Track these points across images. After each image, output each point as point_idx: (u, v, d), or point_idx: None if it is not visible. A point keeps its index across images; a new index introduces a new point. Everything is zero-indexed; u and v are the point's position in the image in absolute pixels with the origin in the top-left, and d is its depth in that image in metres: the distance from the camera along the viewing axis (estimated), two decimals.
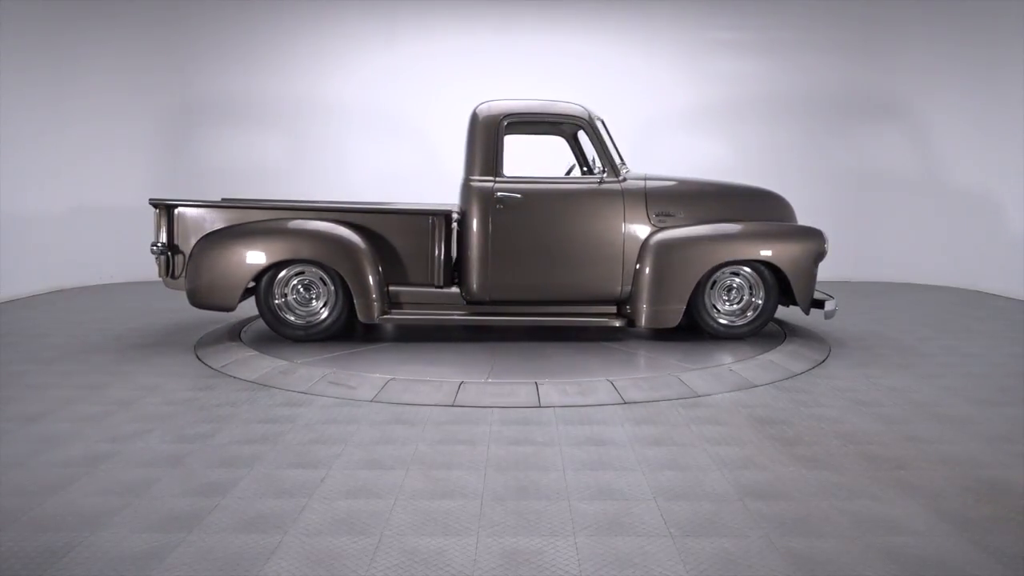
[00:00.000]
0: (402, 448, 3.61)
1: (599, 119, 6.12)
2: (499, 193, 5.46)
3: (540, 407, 4.26)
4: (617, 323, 5.50)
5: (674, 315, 5.44)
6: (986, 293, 8.36)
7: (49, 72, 8.34)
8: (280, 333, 5.62)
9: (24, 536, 2.72)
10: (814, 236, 5.60)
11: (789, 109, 9.18)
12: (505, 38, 9.07)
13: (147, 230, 8.83)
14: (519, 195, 5.47)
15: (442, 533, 2.75)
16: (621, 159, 6.20)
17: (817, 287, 5.82)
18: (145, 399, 4.40)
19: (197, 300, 5.53)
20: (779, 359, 5.18)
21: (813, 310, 5.65)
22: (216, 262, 5.43)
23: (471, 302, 5.59)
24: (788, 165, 9.09)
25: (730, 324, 5.65)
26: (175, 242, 5.58)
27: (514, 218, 5.47)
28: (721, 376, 4.77)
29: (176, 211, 5.57)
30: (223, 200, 5.75)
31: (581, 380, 4.65)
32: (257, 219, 5.56)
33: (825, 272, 5.67)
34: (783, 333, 5.94)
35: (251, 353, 5.28)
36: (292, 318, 5.61)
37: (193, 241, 5.56)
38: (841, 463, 3.43)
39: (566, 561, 2.55)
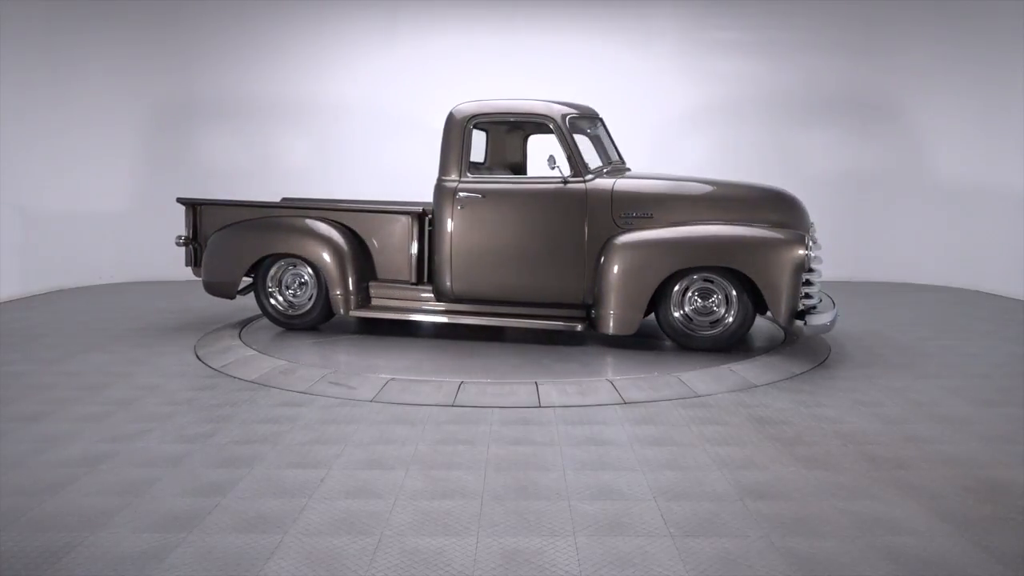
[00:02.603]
0: (402, 448, 3.61)
1: (597, 118, 6.08)
2: (460, 193, 5.50)
3: (540, 407, 4.26)
4: (579, 327, 5.30)
5: (630, 322, 5.18)
6: (986, 293, 8.36)
7: (49, 72, 8.33)
8: (271, 320, 6.07)
9: (24, 536, 2.72)
10: (790, 243, 5.01)
11: (789, 109, 9.17)
12: (506, 38, 9.07)
13: (147, 230, 8.93)
14: (480, 195, 5.49)
15: (442, 533, 2.76)
16: (621, 159, 6.19)
17: (823, 290, 5.54)
18: (145, 399, 4.40)
19: (209, 289, 6.09)
20: (779, 359, 5.18)
21: (798, 323, 5.07)
22: (218, 255, 5.98)
23: (441, 300, 5.66)
24: (788, 165, 9.07)
25: (695, 334, 5.26)
26: (198, 236, 6.17)
27: (475, 218, 5.48)
28: (721, 376, 4.77)
29: (200, 208, 6.17)
30: (283, 200, 6.45)
31: (581, 380, 4.65)
32: (254, 216, 6.05)
33: (825, 272, 5.56)
34: (783, 333, 5.93)
35: (251, 353, 5.29)
36: (279, 306, 6.01)
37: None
38: (841, 463, 3.43)
39: (566, 561, 2.55)
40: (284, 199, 6.54)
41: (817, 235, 5.51)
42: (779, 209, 5.36)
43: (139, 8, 8.86)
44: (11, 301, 7.70)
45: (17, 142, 7.93)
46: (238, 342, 5.60)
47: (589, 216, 5.32)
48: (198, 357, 5.38)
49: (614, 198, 5.33)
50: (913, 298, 8.08)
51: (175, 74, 9.06)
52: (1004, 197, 8.24)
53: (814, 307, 5.24)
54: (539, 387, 4.50)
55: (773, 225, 5.23)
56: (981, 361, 5.37)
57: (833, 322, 5.23)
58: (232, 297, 6.04)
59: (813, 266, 5.26)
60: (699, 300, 5.27)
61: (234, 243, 5.94)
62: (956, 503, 3.01)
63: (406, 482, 3.21)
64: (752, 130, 9.17)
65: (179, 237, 6.14)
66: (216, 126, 9.20)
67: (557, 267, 5.39)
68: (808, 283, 5.17)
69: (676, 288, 5.25)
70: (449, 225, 5.51)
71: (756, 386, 4.66)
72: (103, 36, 8.76)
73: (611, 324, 5.21)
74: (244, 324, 6.27)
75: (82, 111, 8.67)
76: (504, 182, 5.65)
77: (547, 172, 5.37)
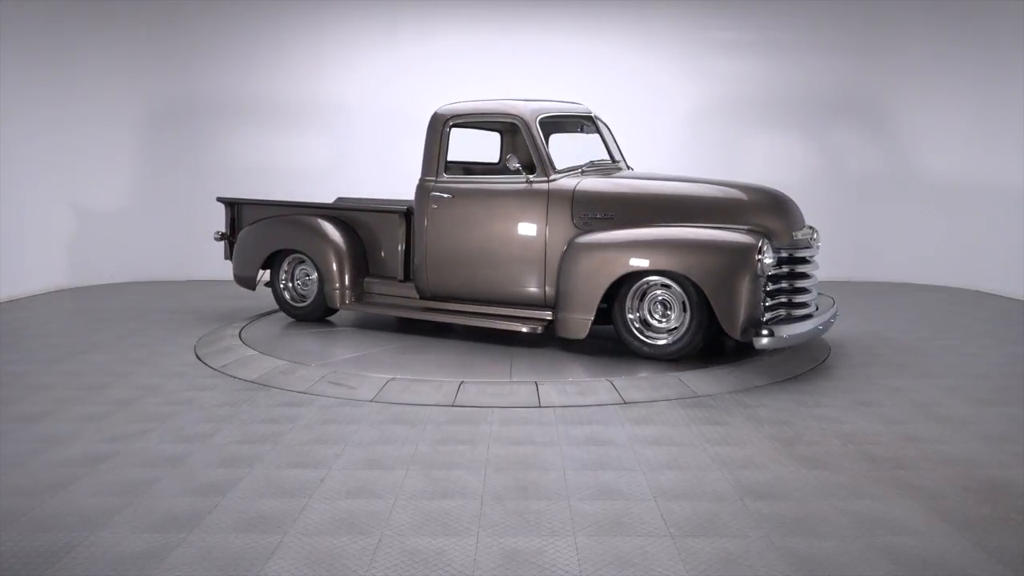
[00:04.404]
0: (402, 448, 3.61)
1: (596, 118, 6.08)
2: (433, 192, 5.59)
3: (540, 407, 4.26)
4: (539, 330, 5.20)
5: (580, 326, 5.04)
6: (986, 293, 8.36)
7: (49, 72, 8.33)
8: (284, 311, 6.47)
9: (24, 536, 2.72)
10: (740, 248, 4.62)
11: (788, 109, 9.17)
12: (507, 38, 9.07)
13: (147, 230, 8.95)
14: (449, 195, 5.55)
15: (442, 533, 2.76)
16: (622, 158, 6.18)
17: (822, 291, 5.39)
18: (145, 399, 4.40)
19: (236, 280, 6.56)
20: (779, 359, 5.17)
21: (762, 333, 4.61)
22: (241, 250, 6.47)
23: (422, 297, 5.77)
24: (787, 165, 9.08)
25: (647, 342, 5.00)
26: (235, 233, 6.62)
27: (446, 217, 5.57)
28: (721, 376, 4.77)
29: (239, 207, 6.65)
30: (337, 199, 6.81)
31: (581, 380, 4.65)
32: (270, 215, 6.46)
33: (825, 272, 5.52)
34: None
35: (251, 353, 5.28)
36: (289, 298, 6.42)
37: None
38: (841, 463, 3.44)
39: (566, 561, 2.55)
40: (338, 199, 6.88)
41: (815, 237, 5.33)
42: (761, 211, 4.98)
43: (139, 8, 8.86)
44: (11, 301, 7.70)
45: (17, 142, 7.93)
46: (238, 342, 5.60)
47: (550, 217, 5.26)
48: (198, 357, 5.38)
49: (575, 199, 5.23)
50: (913, 298, 8.08)
51: (175, 74, 9.06)
52: (1003, 197, 8.24)
53: (810, 315, 5.02)
54: (539, 387, 4.50)
55: (755, 228, 4.83)
56: (981, 361, 5.37)
57: (810, 334, 4.93)
58: (253, 288, 6.50)
59: (808, 271, 5.06)
60: (660, 307, 4.99)
61: (252, 240, 6.41)
62: (956, 503, 3.01)
63: (406, 482, 3.21)
64: (751, 130, 9.17)
65: (217, 232, 6.67)
66: (217, 126, 9.19)
67: (520, 268, 5.38)
68: (799, 290, 4.98)
69: (629, 293, 4.99)
70: (423, 224, 5.64)
71: (756, 386, 4.66)
72: (103, 36, 8.76)
73: (563, 327, 5.13)
74: (244, 324, 6.27)
75: (82, 111, 8.67)
76: (472, 182, 5.67)
77: (545, 173, 5.31)
